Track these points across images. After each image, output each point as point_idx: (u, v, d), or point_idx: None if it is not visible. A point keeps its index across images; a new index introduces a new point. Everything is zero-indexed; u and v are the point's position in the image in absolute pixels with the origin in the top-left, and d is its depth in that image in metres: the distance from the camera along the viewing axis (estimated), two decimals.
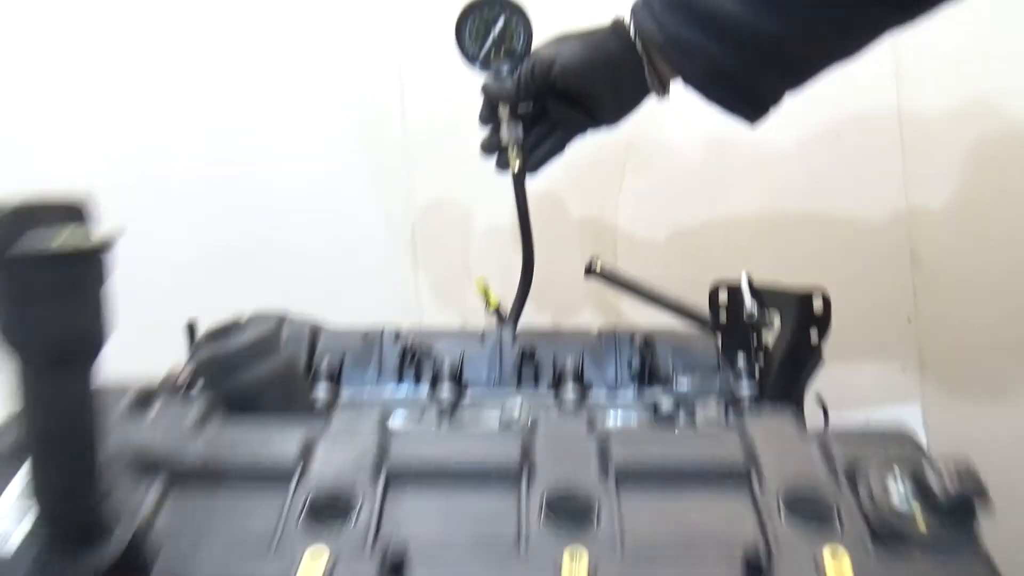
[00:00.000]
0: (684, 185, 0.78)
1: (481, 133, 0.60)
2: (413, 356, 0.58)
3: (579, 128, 0.58)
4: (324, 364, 0.57)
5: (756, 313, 0.58)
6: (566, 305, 0.80)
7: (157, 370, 0.49)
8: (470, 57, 0.57)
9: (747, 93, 0.50)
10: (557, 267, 0.74)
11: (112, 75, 0.78)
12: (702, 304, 0.62)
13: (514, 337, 0.60)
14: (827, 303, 0.54)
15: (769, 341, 0.59)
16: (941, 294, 0.78)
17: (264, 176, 0.79)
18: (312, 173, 0.79)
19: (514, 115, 0.57)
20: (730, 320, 0.62)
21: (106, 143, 0.78)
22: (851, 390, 0.77)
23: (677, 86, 0.54)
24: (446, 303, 0.81)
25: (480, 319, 0.76)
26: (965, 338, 0.77)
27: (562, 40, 0.55)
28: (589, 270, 0.68)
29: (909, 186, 0.77)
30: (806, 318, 0.54)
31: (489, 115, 0.58)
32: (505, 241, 0.76)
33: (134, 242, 0.72)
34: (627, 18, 0.53)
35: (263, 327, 0.47)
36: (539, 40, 0.57)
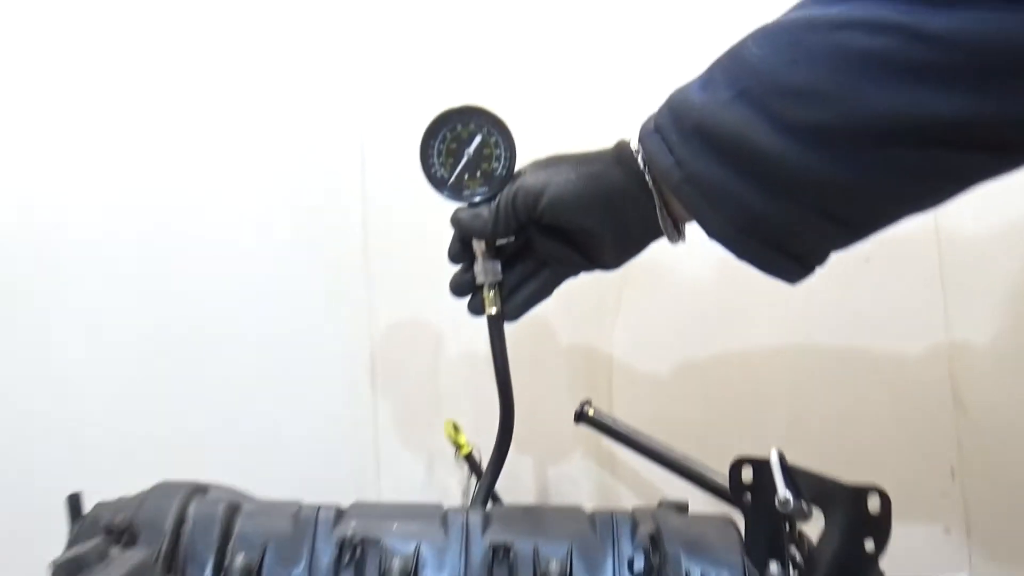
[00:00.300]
0: (691, 311, 0.70)
1: (451, 268, 0.51)
2: (354, 552, 0.46)
3: (570, 269, 0.50)
4: (238, 564, 0.45)
5: (791, 501, 0.47)
6: (552, 449, 0.70)
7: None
8: (437, 182, 0.48)
9: (788, 249, 0.41)
10: (542, 404, 0.67)
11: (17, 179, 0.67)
12: (713, 458, 0.54)
13: (485, 523, 0.48)
14: (886, 503, 0.43)
15: (806, 531, 0.49)
16: (989, 444, 0.69)
17: (198, 290, 0.69)
18: (252, 285, 0.69)
19: (491, 252, 0.49)
20: (756, 502, 0.50)
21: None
22: (887, 555, 0.68)
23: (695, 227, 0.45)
24: (409, 444, 0.70)
25: (449, 462, 0.68)
26: (1019, 496, 0.68)
27: (552, 165, 0.46)
28: (580, 417, 0.60)
29: (950, 319, 0.69)
30: (859, 521, 0.44)
31: (461, 251, 0.49)
32: (480, 371, 0.67)
33: (35, 363, 0.66)
34: (634, 143, 0.44)
35: (143, 553, 0.35)
36: (523, 160, 0.48)
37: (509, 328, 0.51)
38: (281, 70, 0.70)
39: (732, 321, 0.70)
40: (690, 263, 0.69)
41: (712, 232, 0.41)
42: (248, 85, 0.70)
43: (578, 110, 0.68)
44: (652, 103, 0.44)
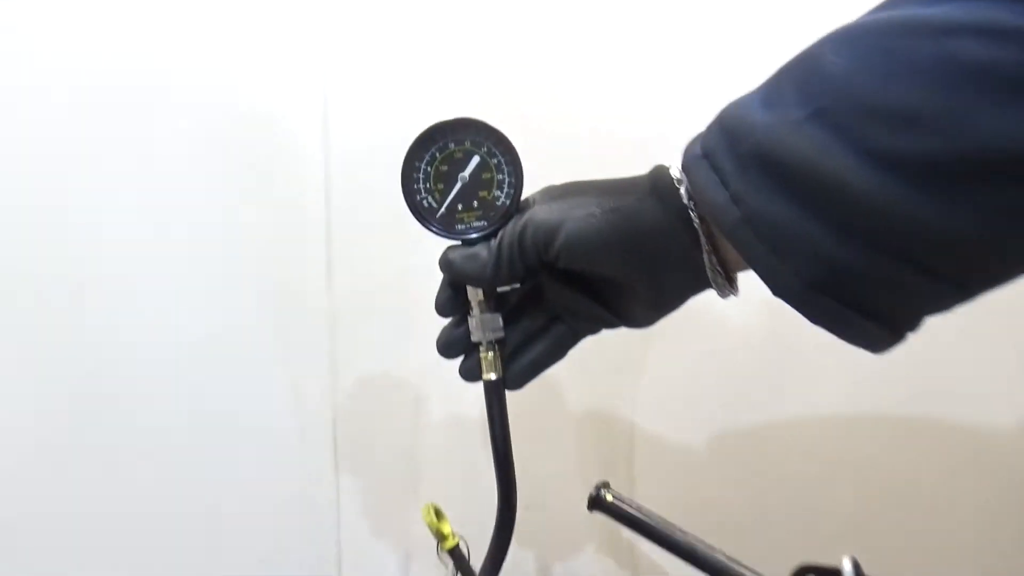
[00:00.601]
0: (733, 371, 0.69)
1: (439, 322, 0.49)
2: None
3: (590, 325, 0.48)
4: None
5: None
6: (561, 543, 0.69)
7: None
8: (424, 213, 0.46)
9: (873, 310, 0.38)
10: (549, 487, 0.67)
11: None
12: (762, 557, 0.53)
13: None
14: None
15: None
16: None
17: (107, 331, 0.66)
18: (179, 331, 0.67)
19: (490, 302, 0.47)
20: None
21: None
22: None
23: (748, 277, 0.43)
24: (379, 534, 0.69)
25: (429, 558, 0.64)
26: None
27: (570, 195, 0.44)
28: (595, 502, 0.59)
29: None
30: None
31: (452, 301, 0.47)
32: (469, 443, 0.68)
33: None
34: (675, 171, 0.42)
35: None
36: (532, 187, 0.47)
37: (511, 394, 0.49)
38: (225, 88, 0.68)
39: (784, 384, 0.69)
40: (732, 311, 0.65)
41: (777, 287, 0.39)
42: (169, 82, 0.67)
43: (604, 121, 0.67)
44: (702, 114, 0.42)
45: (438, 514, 0.61)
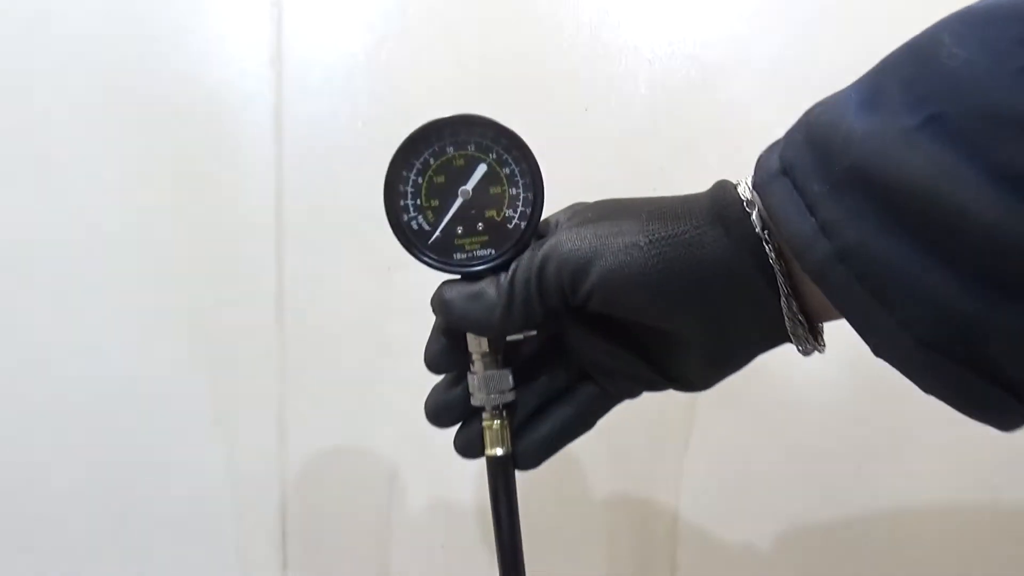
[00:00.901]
0: (804, 445, 0.70)
1: (427, 378, 0.49)
2: None
3: (627, 387, 0.48)
4: None
5: None
6: None
7: None
8: (414, 238, 0.45)
9: (1009, 376, 0.38)
10: None
11: None
12: None
13: None
14: None
15: None
16: None
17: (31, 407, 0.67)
18: (90, 382, 0.68)
19: (497, 355, 0.47)
20: None
21: None
22: None
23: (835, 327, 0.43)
24: None
25: None
26: None
27: (606, 218, 0.44)
28: None
29: None
30: None
31: (447, 352, 0.47)
32: (458, 531, 0.67)
33: None
34: (745, 190, 0.42)
35: None
36: (554, 205, 0.46)
37: (521, 475, 0.49)
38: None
39: (872, 462, 0.69)
40: (805, 367, 0.65)
41: (879, 344, 0.39)
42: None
43: (653, 112, 0.65)
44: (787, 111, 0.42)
45: None
